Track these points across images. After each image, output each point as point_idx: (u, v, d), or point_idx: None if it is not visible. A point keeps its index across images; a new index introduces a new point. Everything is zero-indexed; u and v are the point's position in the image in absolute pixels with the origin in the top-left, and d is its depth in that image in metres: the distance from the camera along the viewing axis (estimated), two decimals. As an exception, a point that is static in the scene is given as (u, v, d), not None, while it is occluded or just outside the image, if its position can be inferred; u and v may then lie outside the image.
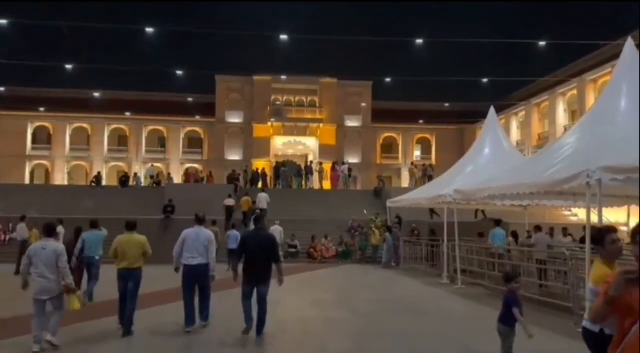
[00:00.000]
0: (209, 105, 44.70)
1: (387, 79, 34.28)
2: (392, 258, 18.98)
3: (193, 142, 46.62)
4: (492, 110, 17.41)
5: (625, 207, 14.02)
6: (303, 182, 32.50)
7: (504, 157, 15.55)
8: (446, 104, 43.69)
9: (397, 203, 19.76)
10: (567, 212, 26.93)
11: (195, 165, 44.29)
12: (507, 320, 5.44)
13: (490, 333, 5.89)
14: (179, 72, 31.67)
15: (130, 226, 7.81)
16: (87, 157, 44.86)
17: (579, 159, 8.98)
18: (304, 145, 45.56)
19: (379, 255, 19.85)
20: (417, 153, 48.34)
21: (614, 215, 22.49)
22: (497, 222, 14.86)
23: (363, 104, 45.49)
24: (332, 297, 11.75)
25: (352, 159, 42.98)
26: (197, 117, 45.36)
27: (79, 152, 44.84)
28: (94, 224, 10.49)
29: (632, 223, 16.22)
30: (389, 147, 48.23)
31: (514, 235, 14.84)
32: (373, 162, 45.91)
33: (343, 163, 35.42)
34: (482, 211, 21.83)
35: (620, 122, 10.02)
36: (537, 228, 13.84)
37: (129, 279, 7.51)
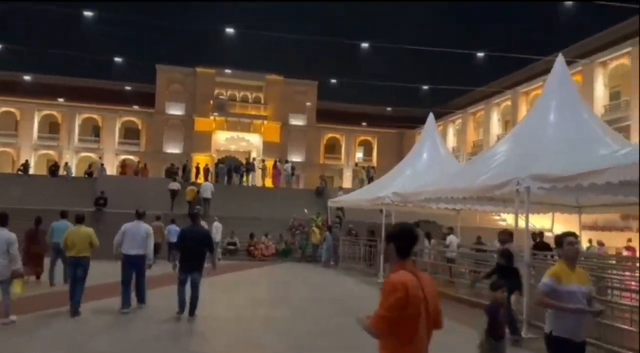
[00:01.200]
0: (148, 96, 43.24)
1: (333, 81, 34.65)
2: (332, 258, 19.22)
3: (130, 133, 44.92)
4: (431, 116, 18.01)
5: (550, 214, 14.90)
6: (244, 179, 32.15)
7: (441, 163, 16.17)
8: (388, 108, 44.77)
9: (338, 204, 20.02)
10: (496, 217, 28.27)
11: (132, 157, 42.76)
12: (495, 333, 4.95)
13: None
14: (117, 59, 30.41)
15: (79, 219, 8.69)
16: (15, 143, 42.14)
17: (510, 167, 9.49)
18: (248, 142, 45.11)
19: (319, 255, 20.03)
20: (359, 155, 49.15)
21: (540, 222, 23.93)
22: (417, 224, 15.52)
23: (308, 104, 45.68)
24: (271, 295, 11.74)
25: (296, 158, 43.05)
26: (136, 107, 43.77)
27: (5, 138, 42.03)
28: (63, 215, 11.56)
29: (556, 229, 17.38)
30: (332, 148, 48.74)
31: (428, 236, 15.88)
32: (316, 162, 46.22)
33: (286, 161, 35.41)
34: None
35: (549, 134, 10.68)
36: (450, 229, 14.65)
37: (77, 267, 8.31)
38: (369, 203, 16.66)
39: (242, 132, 44.34)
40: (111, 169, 39.58)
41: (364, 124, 46.96)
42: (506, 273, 7.51)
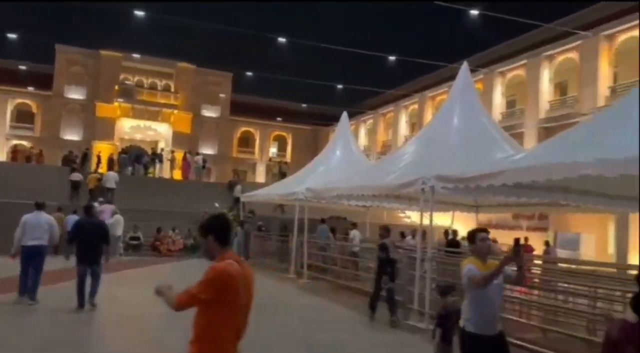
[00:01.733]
0: (45, 77, 39.82)
1: (249, 73, 34.16)
2: (243, 253, 18.95)
3: (23, 117, 41.07)
4: (344, 115, 18.39)
5: (451, 212, 15.81)
6: (150, 170, 30.75)
7: (353, 161, 16.58)
8: (304, 105, 45.01)
9: (251, 199, 19.80)
10: (402, 215, 29.56)
11: (25, 143, 39.26)
12: (446, 338, 5.08)
13: (330, 325, 6.24)
14: (11, 35, 27.65)
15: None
16: None
17: (416, 167, 9.93)
18: (155, 132, 43.18)
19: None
20: (273, 150, 49.02)
21: (441, 220, 25.32)
22: (322, 221, 15.86)
23: (222, 95, 44.72)
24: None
25: (207, 150, 41.97)
26: (31, 89, 40.16)
27: None
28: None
29: (456, 227, 18.50)
30: (246, 142, 48.12)
31: (333, 230, 16.56)
32: (229, 155, 45.40)
33: (197, 153, 34.39)
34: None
35: (452, 137, 11.31)
36: (354, 225, 15.18)
37: None
38: (282, 198, 16.65)
39: (150, 121, 42.37)
40: (1, 155, 36.06)
41: (279, 119, 46.89)
42: (387, 265, 8.71)
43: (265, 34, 38.68)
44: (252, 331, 7.67)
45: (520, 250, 3.85)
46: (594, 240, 19.35)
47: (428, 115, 35.18)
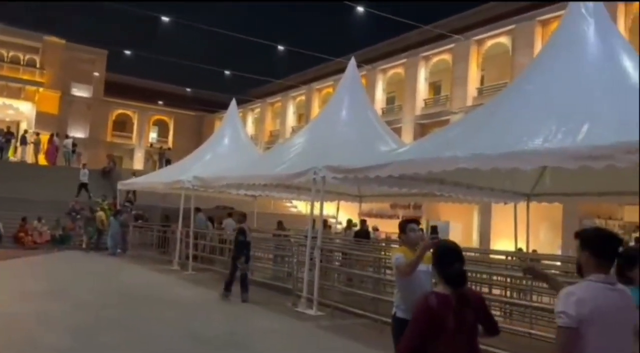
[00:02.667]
0: None
1: (127, 52, 31.91)
2: (119, 245, 17.82)
3: None
4: (233, 102, 18.09)
5: (336, 202, 16.36)
6: (10, 153, 27.56)
7: (241, 149, 16.41)
8: (188, 89, 43.31)
9: (130, 187, 18.64)
10: (288, 204, 29.95)
11: None
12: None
13: (216, 315, 6.15)
14: None
15: None
16: None
17: (307, 158, 10.12)
18: (17, 111, 38.66)
19: (104, 242, 18.35)
20: (153, 135, 46.54)
21: (327, 209, 26.11)
22: (198, 209, 15.61)
23: (96, 74, 41.34)
24: (46, 287, 10.31)
25: (78, 133, 38.57)
26: None
27: None
28: None
29: (341, 216, 19.20)
30: (122, 125, 45.04)
31: (211, 219, 16.41)
32: (103, 139, 42.20)
33: (66, 136, 31.50)
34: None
35: (340, 129, 11.71)
36: (229, 215, 15.20)
37: None
38: (167, 187, 15.92)
39: (10, 99, 37.83)
40: None
41: (160, 102, 44.56)
42: (244, 247, 9.65)
43: (148, 12, 36.40)
44: (137, 325, 7.37)
45: (437, 236, 4.05)
46: (461, 227, 21.32)
47: (315, 107, 35.88)
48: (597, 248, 2.44)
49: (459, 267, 2.90)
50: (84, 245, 18.45)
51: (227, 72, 34.16)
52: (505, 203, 11.88)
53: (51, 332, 6.88)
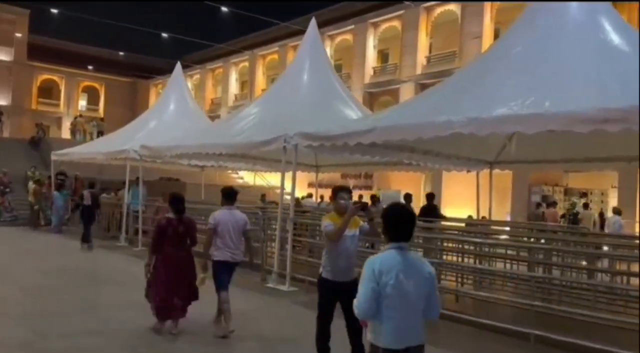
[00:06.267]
0: None
1: (53, 10, 29.04)
2: (60, 221, 16.37)
3: None
4: (178, 66, 16.87)
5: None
6: None
7: (190, 117, 15.37)
8: (121, 53, 40.46)
9: (66, 157, 17.07)
10: (234, 175, 28.99)
11: None
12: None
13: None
14: None
15: None
16: None
17: (272, 125, 9.45)
18: None
19: (47, 217, 16.84)
20: (82, 103, 43.39)
21: (275, 179, 25.46)
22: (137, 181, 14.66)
23: (18, 35, 37.60)
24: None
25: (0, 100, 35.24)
26: None
27: None
28: None
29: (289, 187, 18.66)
30: (48, 92, 41.58)
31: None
32: (27, 107, 38.81)
33: (-15, 103, 28.58)
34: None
35: (304, 94, 11.08)
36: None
37: None
38: (109, 157, 14.65)
39: None
40: None
41: (89, 67, 41.41)
42: (87, 209, 12.01)
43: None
44: (100, 312, 6.56)
45: (365, 204, 4.39)
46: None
47: (259, 74, 34.66)
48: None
49: (180, 206, 5.64)
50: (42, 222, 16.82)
51: (164, 35, 32.09)
52: (469, 171, 11.82)
53: (6, 321, 5.97)
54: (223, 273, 5.56)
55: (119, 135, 16.25)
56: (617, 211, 11.89)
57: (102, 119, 31.63)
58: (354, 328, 4.52)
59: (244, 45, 36.14)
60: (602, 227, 15.67)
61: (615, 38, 6.61)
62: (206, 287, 5.68)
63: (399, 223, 2.87)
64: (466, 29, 22.76)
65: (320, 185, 20.83)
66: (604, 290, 6.14)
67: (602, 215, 16.68)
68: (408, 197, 11.74)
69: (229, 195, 5.84)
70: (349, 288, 4.30)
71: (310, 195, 17.80)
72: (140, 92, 43.16)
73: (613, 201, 17.04)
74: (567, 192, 18.56)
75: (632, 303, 5.95)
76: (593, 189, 17.60)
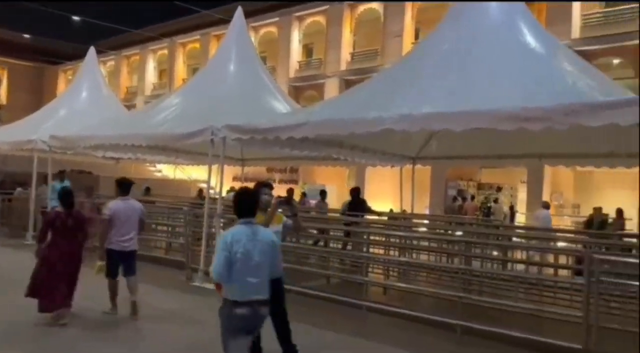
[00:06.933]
0: None
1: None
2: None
3: None
4: (92, 51, 15.80)
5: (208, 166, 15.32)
6: None
7: (104, 105, 14.47)
8: (26, 36, 37.13)
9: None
10: (152, 168, 27.73)
11: None
12: None
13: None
14: None
15: None
16: None
17: (199, 115, 9.04)
18: None
19: None
20: (-20, 88, 39.46)
21: (197, 172, 24.69)
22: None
23: None
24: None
25: None
26: None
27: None
28: None
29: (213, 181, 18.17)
30: (-64, 74, 37.38)
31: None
32: None
33: None
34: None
35: (230, 85, 10.74)
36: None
37: None
38: (13, 147, 13.39)
39: None
40: None
41: (-11, 50, 37.67)
42: None
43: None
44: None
45: (289, 198, 4.50)
46: (335, 190, 21.67)
47: (179, 63, 33.39)
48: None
49: (68, 200, 5.83)
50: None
51: (75, 18, 29.92)
52: (393, 166, 12.11)
53: None
54: (114, 262, 5.85)
55: (25, 123, 14.90)
56: (545, 205, 12.70)
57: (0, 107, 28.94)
58: (282, 331, 4.44)
59: (163, 32, 34.50)
60: (512, 219, 16.79)
61: (531, 40, 7.01)
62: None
63: (245, 203, 3.57)
64: (388, 27, 23.31)
65: (246, 179, 20.52)
66: (522, 281, 6.49)
67: (512, 208, 17.83)
68: (322, 193, 11.97)
69: (124, 185, 6.10)
70: (274, 287, 4.28)
71: (233, 189, 17.42)
72: (48, 78, 40.01)
73: (522, 195, 18.29)
74: (480, 186, 19.66)
75: (546, 292, 6.37)
76: (504, 184, 18.77)
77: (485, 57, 6.62)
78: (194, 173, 25.00)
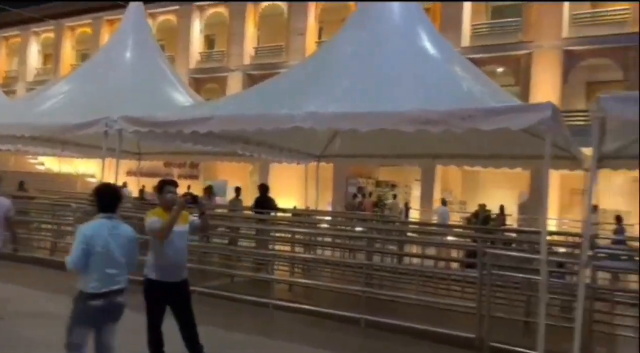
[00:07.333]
0: None
1: None
2: None
3: None
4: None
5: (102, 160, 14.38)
6: None
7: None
8: None
9: None
10: (33, 161, 25.34)
11: None
12: None
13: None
14: None
15: None
16: None
17: (92, 105, 8.43)
18: None
19: None
20: None
21: (85, 166, 22.98)
22: None
23: None
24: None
25: None
26: None
27: None
28: None
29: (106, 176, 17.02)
30: None
31: None
32: None
33: None
34: None
35: (126, 73, 10.12)
36: None
37: None
38: None
39: None
40: None
41: None
42: None
43: None
44: None
45: (196, 196, 4.29)
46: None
47: (67, 48, 30.81)
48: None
49: None
50: None
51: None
52: (298, 163, 12.17)
53: None
54: None
55: None
56: (443, 202, 13.45)
57: None
58: (189, 333, 4.29)
59: (49, 13, 31.51)
60: (406, 215, 17.69)
61: (430, 46, 7.40)
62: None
63: (105, 198, 3.66)
64: (292, 24, 23.38)
65: (142, 174, 19.47)
66: (420, 274, 6.83)
67: (407, 205, 18.80)
68: (238, 190, 11.71)
69: None
70: (180, 290, 4.28)
71: (125, 185, 16.43)
72: None
73: (416, 193, 19.36)
74: (378, 184, 20.51)
75: (441, 285, 6.76)
76: (400, 182, 19.73)
77: (388, 61, 6.86)
78: (83, 167, 23.26)
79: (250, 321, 6.18)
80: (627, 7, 17.64)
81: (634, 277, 6.09)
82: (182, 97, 10.35)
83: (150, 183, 18.17)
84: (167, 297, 4.21)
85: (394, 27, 7.54)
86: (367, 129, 5.69)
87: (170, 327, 4.27)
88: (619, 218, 11.96)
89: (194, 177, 22.20)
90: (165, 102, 9.51)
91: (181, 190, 4.53)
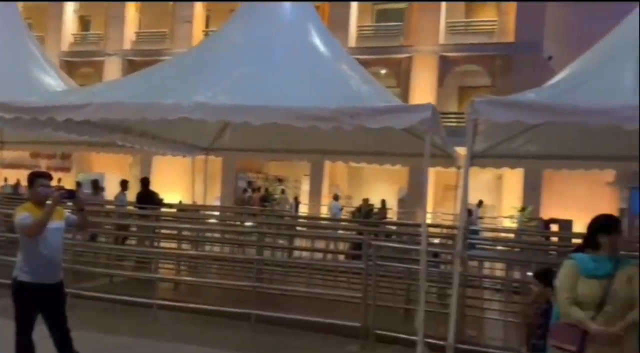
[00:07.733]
0: None
1: None
2: None
3: None
4: None
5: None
6: None
7: None
8: None
9: None
10: None
11: None
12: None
13: None
14: None
15: None
16: None
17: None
18: None
19: None
20: None
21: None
22: None
23: None
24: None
25: None
26: None
27: None
28: None
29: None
30: None
31: None
32: None
33: None
34: None
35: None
36: None
37: None
38: None
39: None
40: None
41: None
42: None
43: None
44: None
45: (74, 191, 4.07)
46: (117, 179, 20.00)
47: None
48: None
49: None
50: None
51: None
52: (185, 156, 11.71)
53: None
54: None
55: None
56: (335, 197, 13.76)
57: None
58: (63, 339, 3.96)
59: None
60: (296, 210, 17.93)
61: (320, 44, 7.53)
62: None
63: None
64: (178, 11, 22.45)
65: (5, 166, 17.55)
66: (309, 267, 6.95)
67: (296, 199, 19.05)
68: (124, 183, 10.98)
69: None
70: (54, 292, 3.98)
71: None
72: None
73: (305, 187, 19.69)
74: (268, 178, 20.52)
75: (328, 277, 6.95)
76: (289, 177, 19.92)
77: (279, 54, 6.85)
78: None
79: (132, 323, 5.83)
80: (494, 19, 19.56)
81: (500, 265, 6.78)
82: (54, 81, 9.42)
83: (14, 176, 16.41)
84: (39, 300, 3.87)
85: (285, 22, 7.56)
86: (260, 123, 5.63)
87: (40, 332, 3.88)
88: (470, 212, 13.29)
89: (65, 169, 20.38)
90: (34, 86, 8.58)
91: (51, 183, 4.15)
